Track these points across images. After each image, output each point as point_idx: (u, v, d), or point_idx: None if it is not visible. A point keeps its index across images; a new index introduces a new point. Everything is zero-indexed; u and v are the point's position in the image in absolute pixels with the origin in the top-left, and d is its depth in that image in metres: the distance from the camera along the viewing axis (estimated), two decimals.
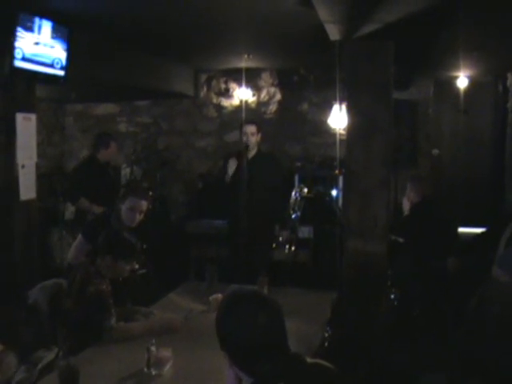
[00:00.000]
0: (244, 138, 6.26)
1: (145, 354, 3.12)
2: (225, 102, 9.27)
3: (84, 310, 3.63)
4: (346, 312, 4.78)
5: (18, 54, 4.83)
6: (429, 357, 5.30)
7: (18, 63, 4.86)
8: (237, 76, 8.86)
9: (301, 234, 6.26)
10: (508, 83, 8.33)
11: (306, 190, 5.78)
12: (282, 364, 1.99)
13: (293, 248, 5.51)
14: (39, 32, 5.04)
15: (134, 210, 4.68)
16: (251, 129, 6.28)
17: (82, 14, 5.36)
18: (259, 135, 6.35)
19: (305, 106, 8.99)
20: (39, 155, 5.60)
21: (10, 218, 5.18)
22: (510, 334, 4.20)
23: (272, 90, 9.09)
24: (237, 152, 6.47)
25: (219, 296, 4.24)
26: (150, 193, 6.11)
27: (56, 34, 5.25)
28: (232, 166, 6.25)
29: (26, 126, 5.24)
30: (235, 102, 9.16)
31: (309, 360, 2.12)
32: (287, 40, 6.49)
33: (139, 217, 4.73)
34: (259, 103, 9.11)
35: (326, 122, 7.39)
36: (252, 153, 6.29)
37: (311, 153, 8.87)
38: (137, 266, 4.30)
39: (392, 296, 5.48)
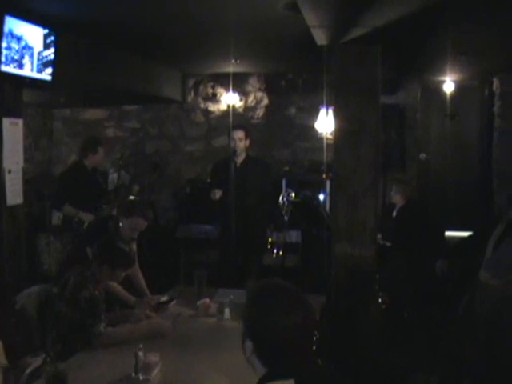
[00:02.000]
0: (232, 143, 6.25)
1: (132, 358, 3.11)
2: (212, 107, 9.27)
3: (76, 314, 3.62)
4: (335, 315, 4.79)
5: (4, 58, 4.80)
6: (420, 358, 5.31)
7: (5, 68, 4.84)
8: (224, 81, 8.88)
9: (289, 238, 6.26)
10: (494, 87, 8.37)
11: (293, 194, 5.77)
12: (296, 361, 1.98)
13: (281, 252, 5.51)
14: (26, 36, 5.01)
15: (137, 229, 4.69)
16: (239, 134, 6.26)
17: (70, 18, 5.34)
18: (247, 141, 6.33)
19: (292, 111, 9.00)
20: (26, 160, 5.58)
21: None
22: (498, 335, 4.23)
23: (259, 94, 9.10)
24: (224, 158, 6.47)
25: (207, 301, 4.25)
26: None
27: (43, 37, 5.24)
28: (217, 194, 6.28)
29: (13, 130, 5.21)
30: (222, 106, 9.17)
31: (319, 362, 2.13)
32: (275, 45, 6.50)
33: (136, 234, 4.75)
34: (246, 108, 9.12)
35: (313, 126, 7.40)
36: (240, 158, 6.28)
37: (299, 157, 8.90)
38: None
39: (380, 300, 5.50)
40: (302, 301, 2.05)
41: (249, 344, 2.02)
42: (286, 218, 5.64)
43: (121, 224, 4.70)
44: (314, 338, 3.92)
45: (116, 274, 3.96)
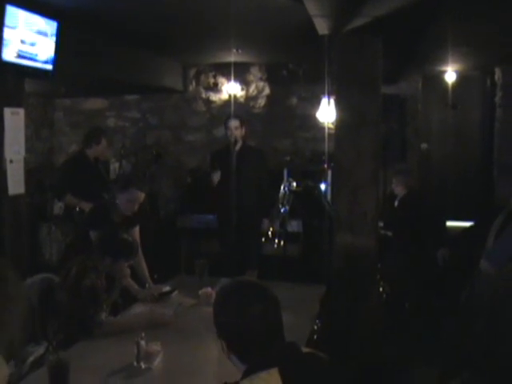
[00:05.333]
0: (228, 133, 6.32)
1: (134, 348, 3.12)
2: (213, 97, 9.27)
3: (77, 303, 3.63)
4: (336, 305, 4.80)
5: (5, 48, 4.80)
6: (420, 349, 5.33)
7: (6, 57, 4.84)
8: (225, 70, 8.88)
9: (290, 228, 6.26)
10: (496, 78, 8.36)
11: (294, 184, 5.77)
12: (276, 350, 2.02)
13: (282, 242, 5.51)
14: (27, 26, 5.01)
15: (134, 201, 4.71)
16: (235, 123, 6.33)
17: (71, 8, 5.34)
18: (243, 129, 6.39)
19: (294, 101, 9.00)
20: (28, 150, 5.59)
21: None
22: (498, 325, 4.23)
23: (261, 84, 9.09)
24: (222, 147, 6.53)
25: (209, 290, 4.25)
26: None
27: (44, 27, 5.23)
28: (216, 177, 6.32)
29: (14, 120, 5.21)
30: (224, 96, 9.17)
31: (304, 349, 2.15)
32: (276, 34, 6.49)
33: (136, 207, 4.76)
34: (248, 98, 9.12)
35: (314, 116, 7.40)
36: (237, 146, 6.33)
37: (300, 147, 8.89)
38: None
39: (381, 289, 5.51)
40: (261, 291, 2.13)
41: (224, 346, 2.09)
42: (286, 207, 5.65)
43: (118, 201, 4.73)
44: (315, 328, 3.95)
45: (118, 265, 3.97)
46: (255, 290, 2.13)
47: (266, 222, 6.21)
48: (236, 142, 6.25)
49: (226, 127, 6.39)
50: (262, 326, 2.03)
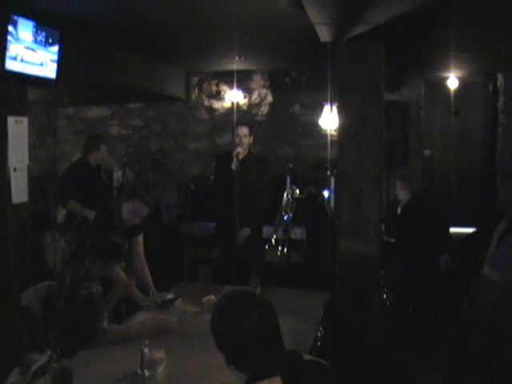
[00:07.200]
0: (236, 140, 6.23)
1: (138, 355, 3.12)
2: (216, 105, 9.28)
3: (76, 313, 3.63)
4: (339, 312, 4.80)
5: (9, 56, 4.81)
6: (424, 355, 5.32)
7: (10, 66, 4.85)
8: (228, 78, 8.89)
9: (293, 235, 6.27)
10: (498, 83, 8.37)
11: (297, 191, 5.78)
12: (277, 359, 2.02)
13: (285, 249, 5.52)
14: (31, 34, 5.03)
15: (136, 214, 4.69)
16: (244, 130, 6.24)
17: (74, 17, 5.36)
18: (251, 137, 6.32)
19: (296, 108, 9.00)
20: (31, 158, 5.59)
21: (2, 222, 5.16)
22: (501, 330, 4.23)
23: (263, 91, 9.10)
24: (226, 152, 6.45)
25: (212, 297, 4.25)
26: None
27: (47, 36, 5.25)
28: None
29: (18, 129, 5.22)
30: (227, 104, 9.18)
31: (306, 357, 2.15)
32: (279, 42, 6.50)
33: (137, 219, 4.75)
34: (251, 105, 9.13)
35: (317, 123, 7.41)
36: (243, 154, 6.26)
37: (303, 154, 8.90)
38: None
39: (384, 296, 5.51)
40: (256, 301, 2.13)
41: (224, 357, 2.10)
42: (290, 214, 5.65)
43: (122, 210, 4.72)
44: (319, 334, 3.95)
45: (109, 268, 3.96)
46: (251, 300, 2.13)
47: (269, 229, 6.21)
48: (238, 154, 6.05)
49: (235, 134, 6.31)
50: (259, 336, 2.03)
